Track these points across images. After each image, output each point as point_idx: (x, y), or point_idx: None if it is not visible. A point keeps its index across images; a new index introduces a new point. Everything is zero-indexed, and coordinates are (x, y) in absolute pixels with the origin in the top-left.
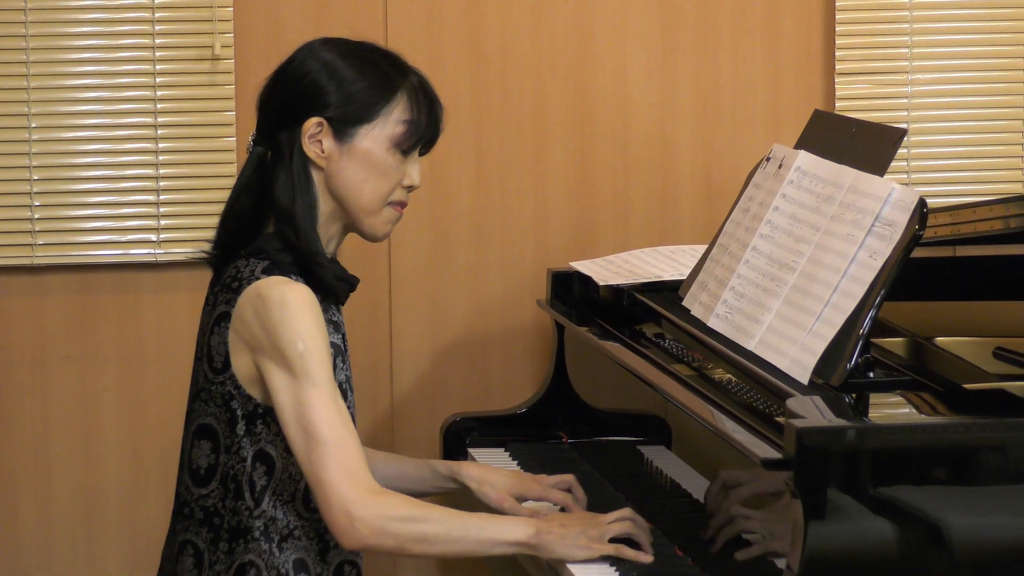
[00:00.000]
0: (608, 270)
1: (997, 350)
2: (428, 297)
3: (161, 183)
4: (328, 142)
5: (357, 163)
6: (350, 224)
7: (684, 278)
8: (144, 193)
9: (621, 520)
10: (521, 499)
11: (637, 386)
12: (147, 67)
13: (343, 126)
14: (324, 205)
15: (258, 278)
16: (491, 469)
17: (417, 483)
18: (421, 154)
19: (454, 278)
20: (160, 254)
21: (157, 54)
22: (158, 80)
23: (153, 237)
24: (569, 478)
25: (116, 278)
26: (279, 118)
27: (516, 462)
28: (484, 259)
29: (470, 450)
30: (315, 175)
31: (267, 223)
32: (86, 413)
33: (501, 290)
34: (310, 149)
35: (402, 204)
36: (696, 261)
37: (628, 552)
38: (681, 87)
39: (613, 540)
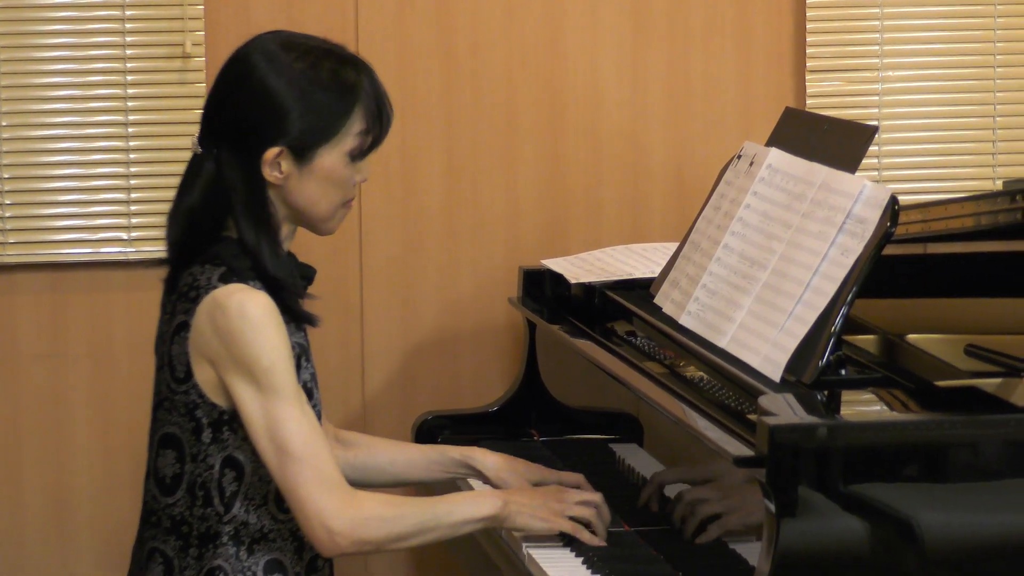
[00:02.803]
0: (580, 268)
1: (968, 347)
2: (399, 295)
3: (132, 181)
4: (286, 165)
5: (315, 182)
6: (303, 225)
7: (656, 276)
8: (115, 191)
9: (586, 504)
10: (537, 485)
11: (609, 384)
12: (118, 65)
13: (303, 151)
14: (279, 213)
15: (215, 287)
16: (503, 456)
17: (426, 471)
18: None
19: (425, 276)
20: (131, 252)
21: (128, 52)
22: (129, 78)
23: (124, 236)
24: (579, 477)
25: (87, 277)
26: (234, 137)
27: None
28: (456, 257)
29: None
30: (270, 191)
31: (223, 230)
32: (57, 412)
33: (473, 288)
34: (269, 174)
35: (351, 201)
36: (668, 259)
37: (585, 535)
38: (652, 85)
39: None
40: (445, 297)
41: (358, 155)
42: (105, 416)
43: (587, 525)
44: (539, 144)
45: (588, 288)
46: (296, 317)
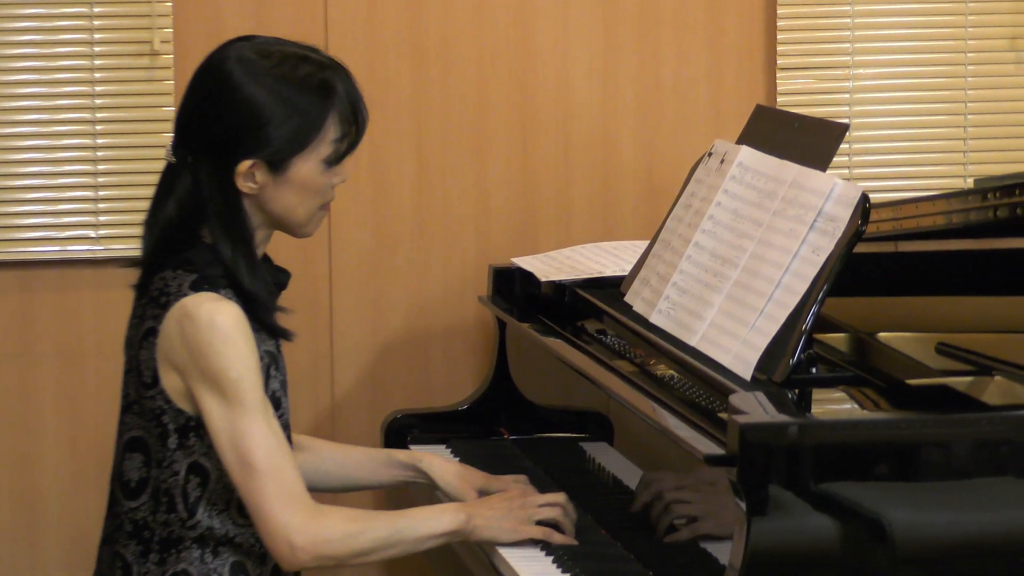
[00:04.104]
0: (550, 266)
1: (939, 345)
2: (369, 294)
3: (99, 179)
4: (262, 176)
5: (291, 191)
6: (280, 229)
7: (626, 274)
8: (82, 189)
9: (551, 506)
10: (484, 492)
11: (579, 382)
12: (85, 62)
13: (278, 162)
14: (254, 220)
15: (185, 294)
16: (451, 461)
17: (372, 473)
18: None
19: (395, 275)
20: (99, 250)
21: (95, 49)
22: (96, 75)
23: (92, 233)
24: (522, 478)
25: (55, 275)
26: (207, 147)
27: (458, 459)
28: (425, 256)
29: (411, 447)
30: (245, 201)
31: (196, 233)
32: (25, 411)
33: (443, 287)
34: (244, 185)
35: (330, 202)
36: (638, 257)
37: (556, 538)
38: (623, 83)
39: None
40: (415, 296)
41: (333, 161)
42: (73, 416)
43: (555, 526)
44: (509, 143)
45: (558, 286)
46: (271, 331)
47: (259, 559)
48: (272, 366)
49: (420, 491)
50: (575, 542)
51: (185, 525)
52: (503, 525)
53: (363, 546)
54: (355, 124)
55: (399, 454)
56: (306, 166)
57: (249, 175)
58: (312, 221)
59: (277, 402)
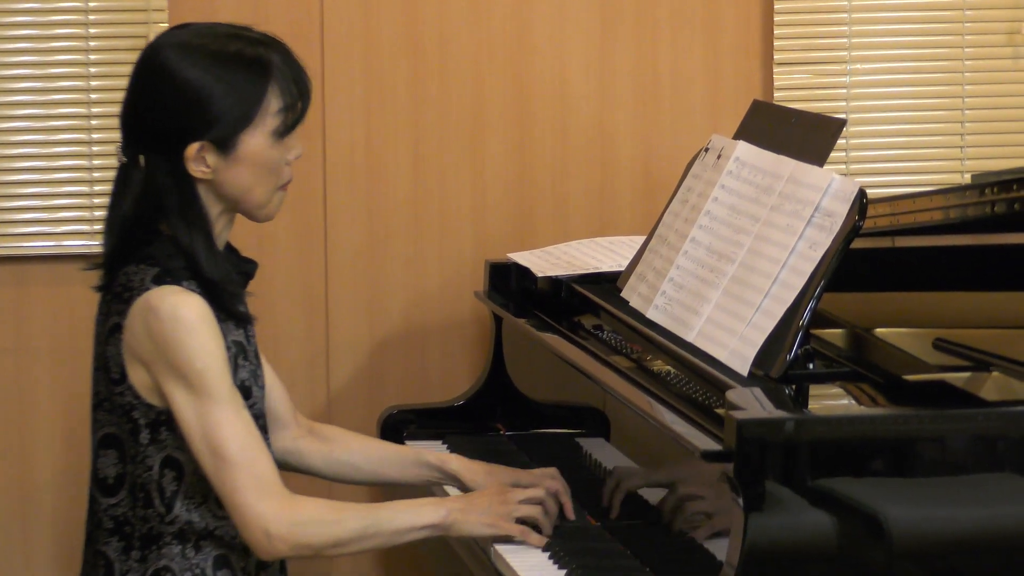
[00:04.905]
0: (546, 261)
1: (937, 341)
2: (365, 289)
3: (94, 174)
4: (212, 158)
5: (245, 169)
6: (240, 213)
7: (623, 269)
8: (77, 184)
9: (531, 503)
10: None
11: (575, 378)
12: (80, 57)
13: (225, 141)
14: (213, 208)
15: (148, 288)
16: (479, 462)
17: (400, 471)
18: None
19: (391, 270)
20: (94, 245)
21: (91, 44)
22: (92, 71)
23: (87, 228)
24: (551, 471)
25: (49, 270)
26: (154, 139)
27: (457, 455)
28: (422, 251)
29: (408, 442)
30: (201, 188)
31: (157, 232)
32: (20, 406)
33: (439, 282)
34: (196, 170)
35: (288, 183)
36: (635, 252)
37: (533, 537)
38: (619, 77)
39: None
40: (411, 291)
41: (282, 132)
42: (68, 410)
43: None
44: (506, 137)
45: (555, 281)
46: (232, 317)
47: (242, 551)
48: (240, 355)
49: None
50: (548, 538)
51: (164, 520)
52: (482, 520)
53: (341, 535)
54: (298, 94)
55: (428, 455)
56: (254, 141)
57: (199, 159)
58: (271, 202)
59: (247, 391)
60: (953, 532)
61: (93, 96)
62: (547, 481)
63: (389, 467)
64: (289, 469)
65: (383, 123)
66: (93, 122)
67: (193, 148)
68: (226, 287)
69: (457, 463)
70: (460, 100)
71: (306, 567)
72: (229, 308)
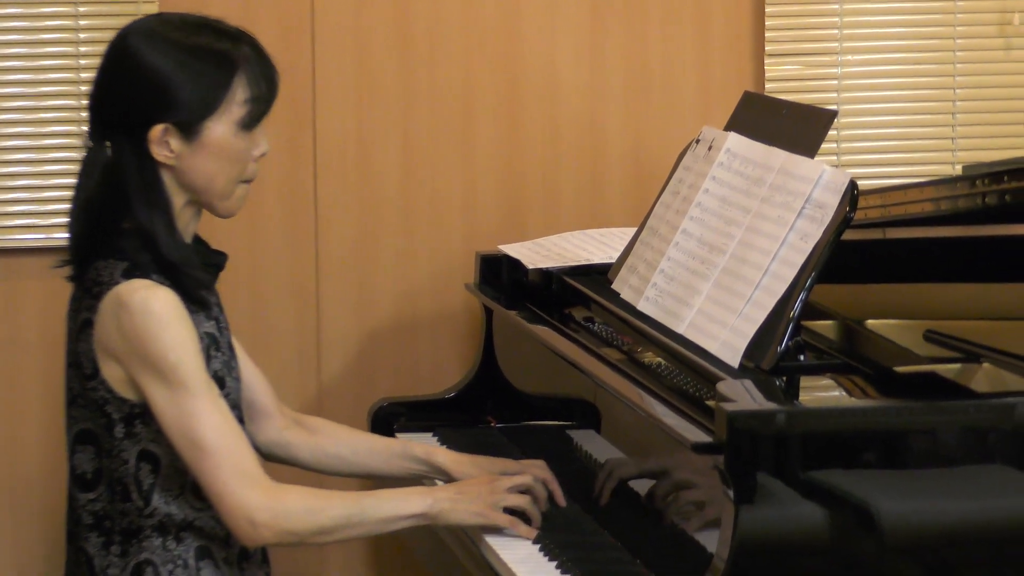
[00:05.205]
0: (537, 253)
1: (928, 333)
2: (356, 281)
3: None
4: (176, 143)
5: (208, 156)
6: (203, 206)
7: (614, 261)
8: (67, 177)
9: (519, 491)
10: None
11: (566, 370)
12: (71, 49)
13: (189, 126)
14: (177, 198)
15: (117, 282)
16: (464, 454)
17: (386, 463)
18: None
19: (382, 262)
20: None
21: (81, 36)
22: (82, 62)
23: None
24: (539, 463)
25: (39, 263)
26: (119, 121)
27: (444, 447)
28: (412, 243)
29: (398, 435)
30: (164, 174)
31: (122, 221)
32: (11, 399)
33: (429, 274)
34: (159, 154)
35: (252, 179)
36: (626, 244)
37: (521, 528)
38: (610, 69)
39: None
40: (402, 283)
41: (248, 124)
42: (58, 403)
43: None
44: (496, 129)
45: (545, 274)
46: (192, 300)
47: (223, 542)
48: (212, 346)
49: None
50: (536, 532)
51: (143, 514)
52: (469, 509)
53: (325, 523)
54: (266, 87)
55: (415, 447)
56: (218, 128)
57: (163, 143)
58: (234, 196)
59: (221, 382)
60: (944, 524)
61: (83, 88)
62: (534, 470)
63: (376, 459)
64: (275, 460)
65: (373, 116)
66: (83, 114)
67: (157, 130)
68: (186, 270)
69: (444, 456)
70: (451, 93)
71: (296, 563)
72: (191, 292)
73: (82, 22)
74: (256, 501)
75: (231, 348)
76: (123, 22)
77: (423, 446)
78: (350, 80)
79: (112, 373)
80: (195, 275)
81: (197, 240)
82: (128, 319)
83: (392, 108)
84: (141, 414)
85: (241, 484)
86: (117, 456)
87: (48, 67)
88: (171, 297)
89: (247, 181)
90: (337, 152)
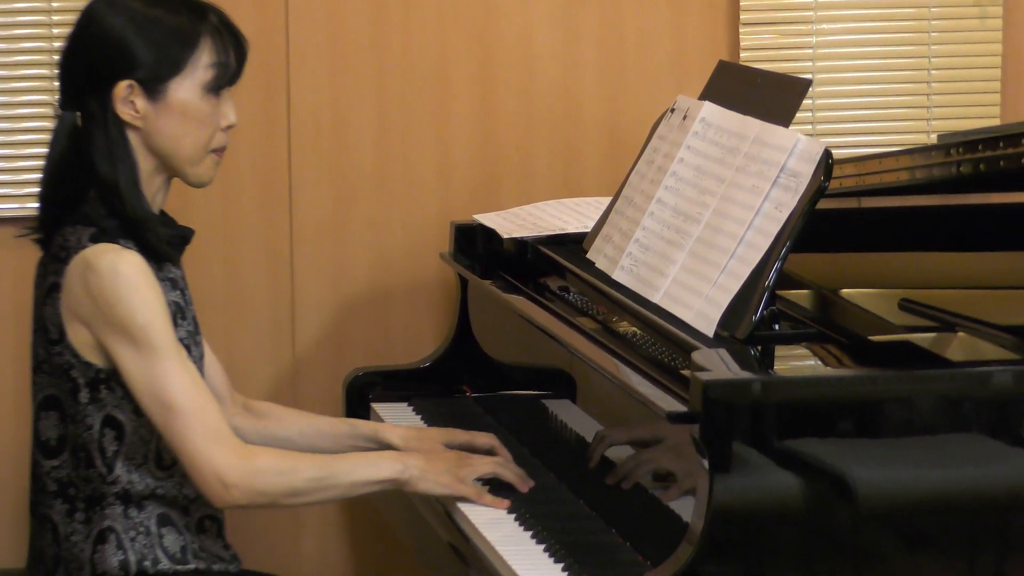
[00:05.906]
0: (512, 223)
1: (902, 301)
2: (330, 251)
3: None
4: (141, 102)
5: (174, 118)
6: (173, 174)
7: (589, 231)
8: (40, 146)
9: (490, 463)
10: (449, 446)
11: (541, 340)
12: (43, 18)
13: (153, 84)
14: (145, 163)
15: (85, 247)
16: (413, 427)
17: (335, 443)
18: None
19: (356, 232)
20: None
21: (53, 4)
22: (54, 31)
23: None
24: (489, 436)
25: (12, 233)
26: (86, 83)
27: (420, 417)
28: (387, 213)
29: (373, 405)
30: (131, 136)
31: (90, 187)
32: None
33: (404, 244)
34: (124, 112)
35: (222, 149)
36: (601, 214)
37: (487, 498)
38: (585, 38)
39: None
40: (376, 253)
41: (213, 87)
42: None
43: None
44: (471, 98)
45: (520, 243)
46: (157, 257)
47: (183, 509)
48: (178, 315)
49: None
50: (506, 503)
51: (106, 481)
52: (439, 479)
53: (296, 484)
54: (230, 52)
55: (363, 426)
56: (183, 88)
57: (128, 101)
58: (203, 164)
59: (187, 350)
60: (919, 493)
61: (55, 58)
62: (482, 438)
63: (324, 440)
64: None
65: (347, 84)
66: (56, 83)
67: (121, 87)
68: (151, 226)
69: (391, 432)
70: (424, 62)
71: (272, 529)
72: (157, 250)
73: (54, 3)
74: (227, 460)
75: (195, 323)
76: None
77: (371, 425)
78: (324, 49)
79: (78, 337)
80: (160, 232)
81: (164, 215)
82: (96, 282)
83: (366, 77)
84: (106, 379)
85: (212, 444)
86: (81, 422)
87: (21, 36)
88: (139, 260)
89: (217, 151)
90: (311, 121)
